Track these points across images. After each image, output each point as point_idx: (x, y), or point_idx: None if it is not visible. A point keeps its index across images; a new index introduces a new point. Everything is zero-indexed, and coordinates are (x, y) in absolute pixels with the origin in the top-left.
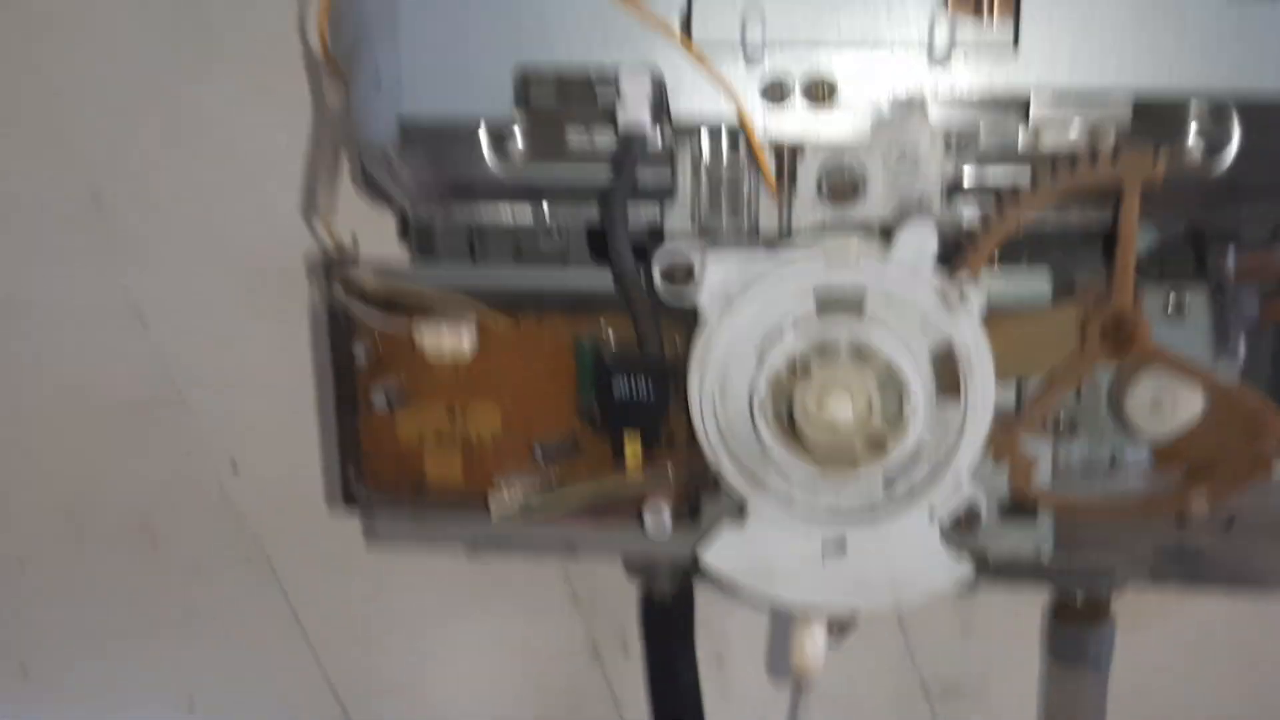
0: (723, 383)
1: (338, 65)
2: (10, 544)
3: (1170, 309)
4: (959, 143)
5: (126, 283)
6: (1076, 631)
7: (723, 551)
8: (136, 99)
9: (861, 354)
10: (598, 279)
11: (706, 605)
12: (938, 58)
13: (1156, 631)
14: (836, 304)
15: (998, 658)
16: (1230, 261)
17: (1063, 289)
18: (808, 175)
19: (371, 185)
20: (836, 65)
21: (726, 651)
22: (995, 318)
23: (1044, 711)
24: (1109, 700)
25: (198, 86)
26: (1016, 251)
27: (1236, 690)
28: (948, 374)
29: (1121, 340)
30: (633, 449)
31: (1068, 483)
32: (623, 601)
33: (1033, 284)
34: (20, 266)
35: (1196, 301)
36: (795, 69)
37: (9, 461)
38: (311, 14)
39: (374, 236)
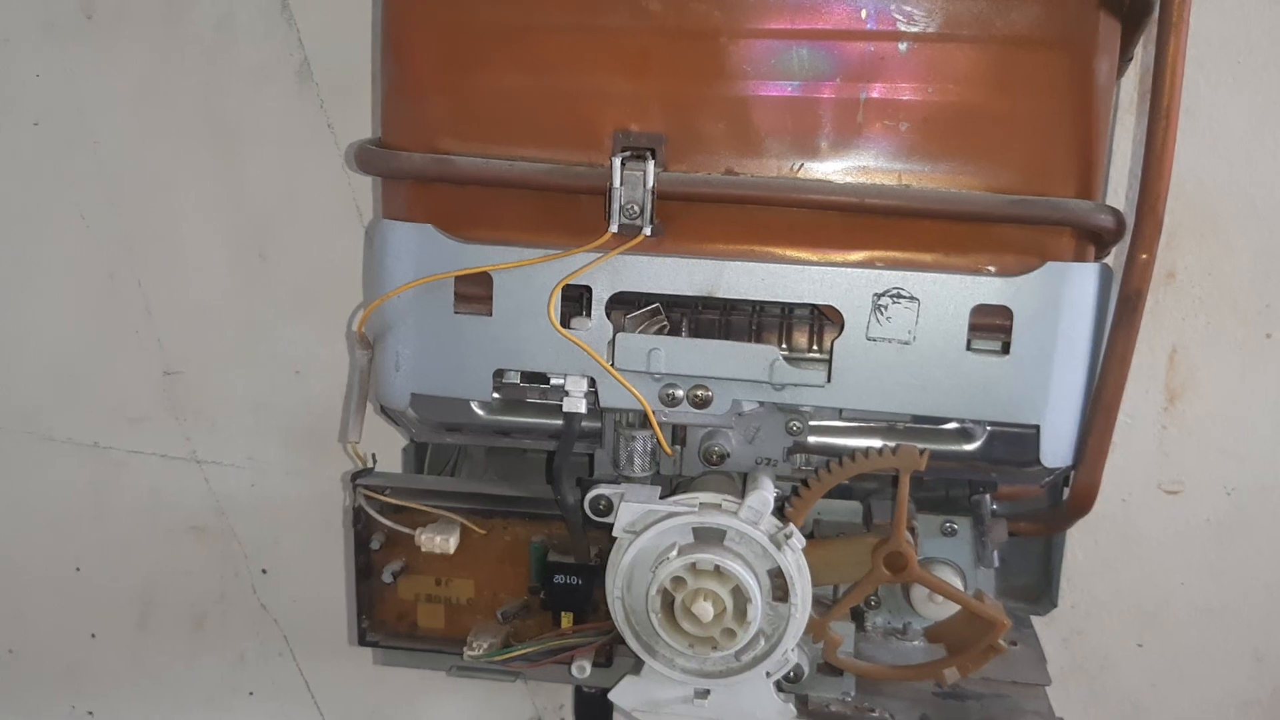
0: (629, 583)
1: (368, 341)
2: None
3: (946, 532)
4: (792, 429)
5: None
6: None
7: (624, 693)
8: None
9: (720, 572)
10: (548, 499)
11: None
12: (776, 388)
13: None
14: (707, 536)
15: None
16: (986, 504)
17: (869, 517)
18: (692, 447)
19: (388, 418)
20: (712, 386)
21: None
22: (815, 543)
23: None
24: None
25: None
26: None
27: None
28: (779, 586)
29: (898, 567)
30: (567, 618)
31: (874, 644)
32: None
33: (850, 511)
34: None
35: (965, 525)
36: (683, 386)
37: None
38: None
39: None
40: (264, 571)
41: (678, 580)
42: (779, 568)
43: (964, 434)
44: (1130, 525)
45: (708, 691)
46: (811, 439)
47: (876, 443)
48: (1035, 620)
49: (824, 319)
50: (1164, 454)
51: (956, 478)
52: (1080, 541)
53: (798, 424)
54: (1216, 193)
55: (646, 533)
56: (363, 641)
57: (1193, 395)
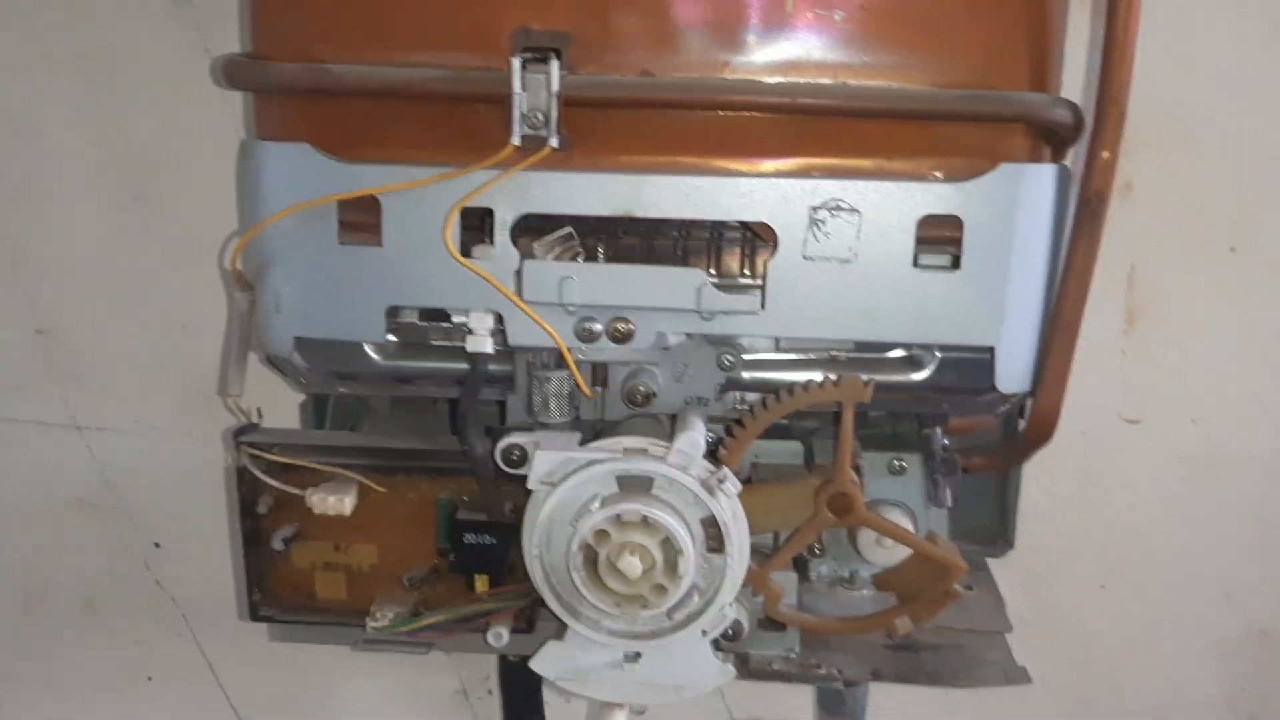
0: (548, 540)
1: (245, 280)
2: None
3: (894, 470)
4: (724, 364)
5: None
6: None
7: (546, 660)
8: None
9: (648, 524)
10: (456, 452)
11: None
12: (705, 317)
13: None
14: (632, 485)
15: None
16: (937, 438)
17: (811, 457)
18: (615, 388)
19: (275, 368)
20: (633, 318)
21: None
22: (752, 488)
23: None
24: None
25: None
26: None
27: None
28: (713, 536)
29: (843, 510)
30: (481, 582)
31: (820, 595)
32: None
33: (790, 452)
34: None
35: (915, 462)
36: (601, 319)
37: None
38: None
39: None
40: (157, 545)
41: (601, 534)
42: (713, 516)
43: (912, 362)
44: (1090, 459)
45: (639, 654)
46: (746, 374)
47: (817, 376)
48: (992, 563)
49: (757, 239)
50: (1124, 381)
51: (905, 410)
52: (1037, 478)
53: (730, 357)
54: (1175, 98)
55: (565, 483)
56: (254, 617)
57: (1153, 317)
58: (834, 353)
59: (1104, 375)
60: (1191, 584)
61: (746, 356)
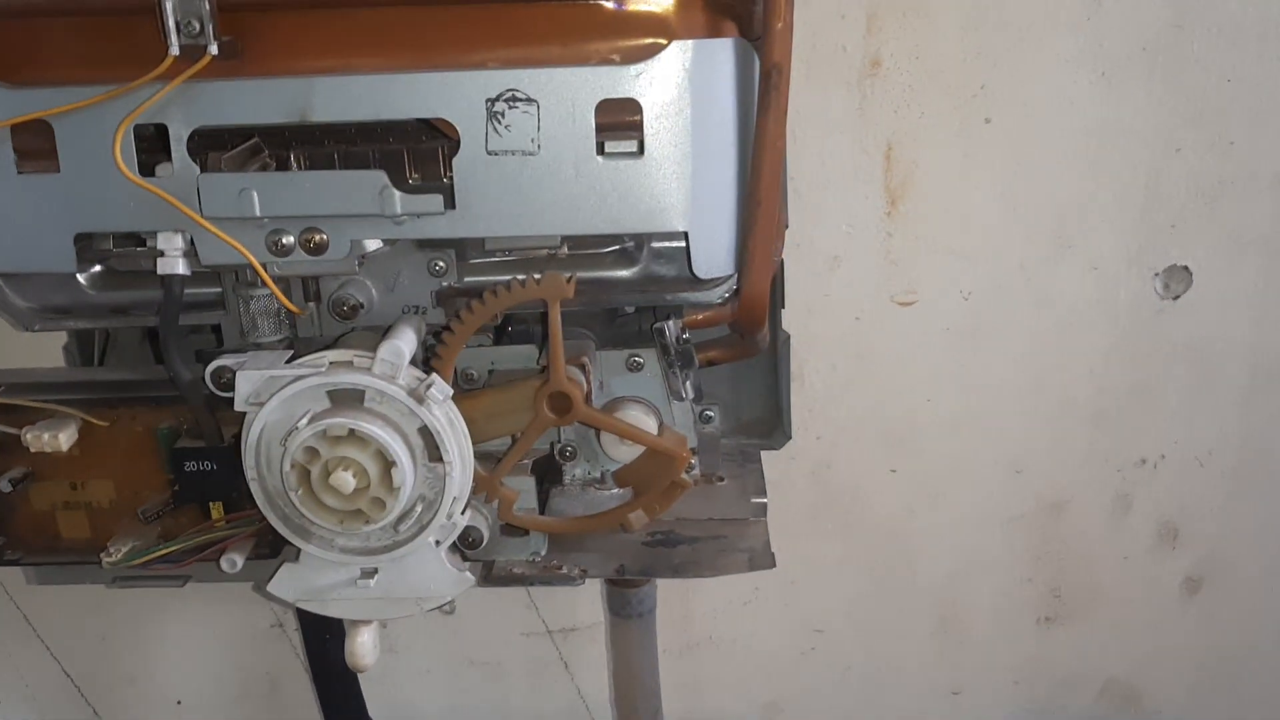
0: (264, 462)
1: None
2: None
3: (631, 366)
4: (435, 269)
5: None
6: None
7: (283, 583)
8: None
9: (359, 437)
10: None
11: None
12: (396, 222)
13: None
14: (345, 400)
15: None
16: (670, 330)
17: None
18: (323, 300)
19: None
20: (324, 226)
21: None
22: (473, 394)
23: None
24: None
25: None
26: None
27: None
28: (433, 445)
29: (563, 410)
30: (216, 509)
31: (573, 497)
32: None
33: (525, 356)
34: None
35: (651, 358)
36: (293, 231)
37: None
38: None
39: None
40: None
41: (310, 451)
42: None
43: (625, 256)
44: (866, 344)
45: (375, 570)
46: (466, 280)
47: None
48: (779, 455)
49: (450, 142)
50: (891, 263)
51: (624, 304)
52: (815, 367)
53: (441, 263)
54: None
55: (271, 401)
56: (1, 561)
57: (915, 195)
58: (551, 252)
59: (871, 259)
60: (979, 461)
61: (469, 261)
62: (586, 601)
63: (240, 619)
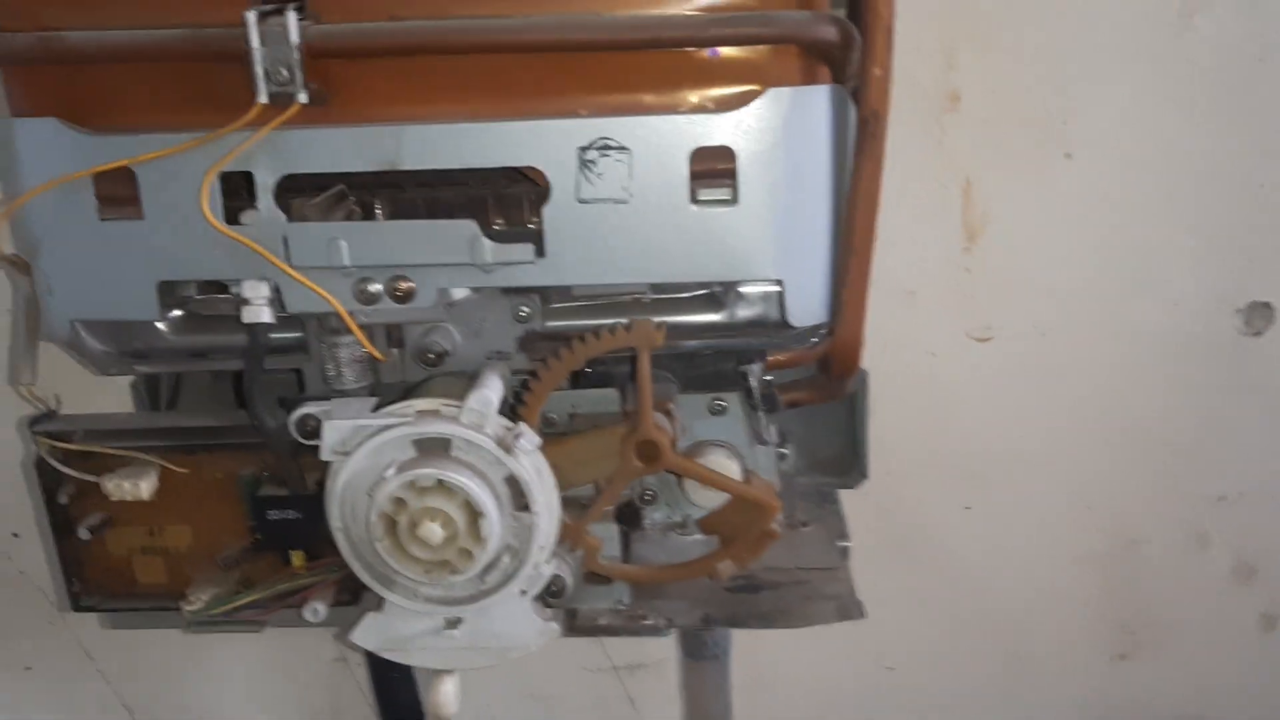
0: (351, 511)
1: (23, 263)
2: None
3: (714, 410)
4: (520, 315)
5: None
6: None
7: (367, 632)
8: None
9: (445, 487)
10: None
11: None
12: (485, 270)
13: None
14: (431, 449)
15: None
16: (754, 374)
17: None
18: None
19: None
20: (412, 275)
21: None
22: (560, 441)
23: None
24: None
25: None
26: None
27: None
28: (520, 494)
29: (651, 457)
30: (297, 557)
31: (653, 543)
32: None
33: (607, 400)
34: None
35: (735, 402)
36: (379, 280)
37: None
38: None
39: None
40: (16, 536)
41: (398, 502)
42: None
43: (712, 301)
44: (941, 380)
45: (459, 620)
46: (550, 324)
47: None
48: (852, 494)
49: (536, 187)
50: (969, 299)
51: (715, 349)
52: (889, 404)
53: (527, 309)
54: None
55: (357, 452)
56: (77, 607)
57: (993, 231)
58: (636, 296)
59: (948, 295)
60: (1053, 499)
61: (553, 306)
62: (655, 641)
63: (304, 652)
